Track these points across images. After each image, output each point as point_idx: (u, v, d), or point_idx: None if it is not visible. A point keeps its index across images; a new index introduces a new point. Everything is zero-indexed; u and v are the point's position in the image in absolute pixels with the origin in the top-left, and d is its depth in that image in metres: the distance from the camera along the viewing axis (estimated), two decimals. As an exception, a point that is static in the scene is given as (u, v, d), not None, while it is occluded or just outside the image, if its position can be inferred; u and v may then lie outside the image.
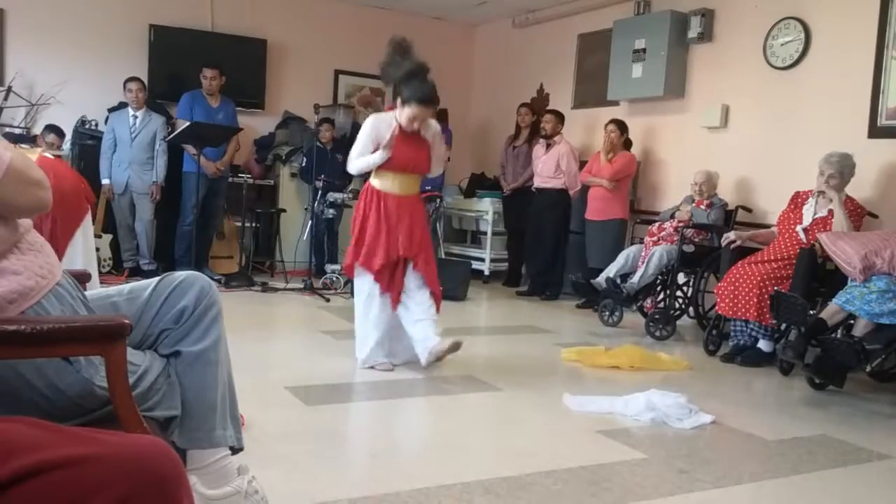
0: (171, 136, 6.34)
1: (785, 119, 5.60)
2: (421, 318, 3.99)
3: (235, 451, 1.90)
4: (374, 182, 4.07)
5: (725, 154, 5.96)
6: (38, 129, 6.55)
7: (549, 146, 6.74)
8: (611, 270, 5.53)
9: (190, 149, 6.37)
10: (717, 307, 4.76)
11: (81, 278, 1.86)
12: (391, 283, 4.01)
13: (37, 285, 1.53)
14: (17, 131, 6.52)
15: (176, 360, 1.79)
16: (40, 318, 1.50)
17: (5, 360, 1.45)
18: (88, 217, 4.11)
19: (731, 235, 4.99)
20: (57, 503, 0.97)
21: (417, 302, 4.02)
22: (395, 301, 4.03)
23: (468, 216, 7.96)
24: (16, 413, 1.29)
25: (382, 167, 4.00)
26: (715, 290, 4.79)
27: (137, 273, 6.38)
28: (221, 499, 1.81)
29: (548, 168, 6.69)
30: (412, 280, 4.03)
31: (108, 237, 6.57)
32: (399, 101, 3.93)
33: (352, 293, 4.38)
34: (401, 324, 4.06)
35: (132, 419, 1.46)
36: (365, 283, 4.02)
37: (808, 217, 4.67)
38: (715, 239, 5.39)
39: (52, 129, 6.26)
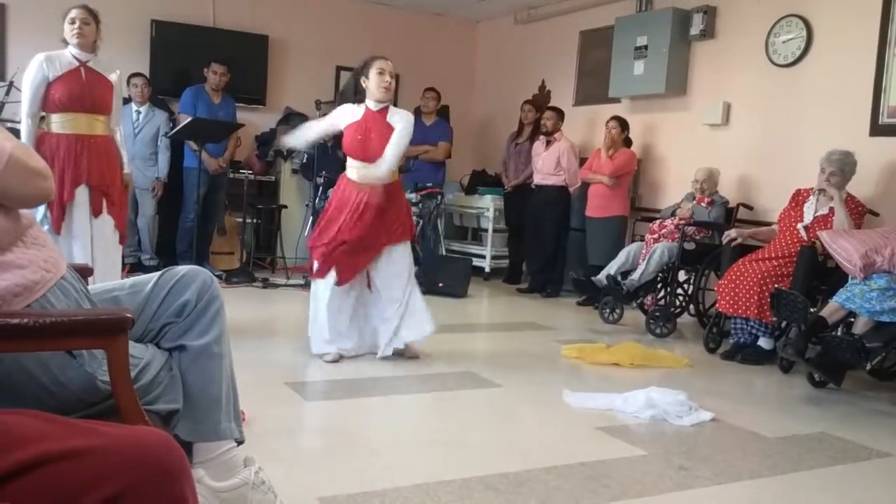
0: (173, 131, 6.34)
1: (786, 117, 5.59)
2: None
3: (238, 444, 1.91)
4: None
5: (727, 151, 5.95)
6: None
7: (549, 143, 6.74)
8: (611, 268, 5.53)
9: (192, 144, 6.37)
10: (717, 305, 4.76)
11: (84, 272, 1.86)
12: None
13: (42, 279, 1.54)
14: (19, 127, 6.51)
15: (180, 355, 1.80)
16: (43, 311, 1.50)
17: (8, 353, 1.46)
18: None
19: (732, 233, 4.99)
20: (61, 494, 0.98)
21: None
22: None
23: (469, 213, 7.96)
24: (19, 406, 1.29)
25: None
26: (715, 288, 4.79)
27: (139, 268, 6.39)
28: (229, 490, 1.81)
29: (548, 165, 6.69)
30: None
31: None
32: (364, 83, 4.05)
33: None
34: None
35: (134, 412, 1.47)
36: None
37: (808, 215, 4.67)
38: (716, 236, 5.39)
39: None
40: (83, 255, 3.87)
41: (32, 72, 3.89)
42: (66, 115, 3.92)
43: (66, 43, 3.98)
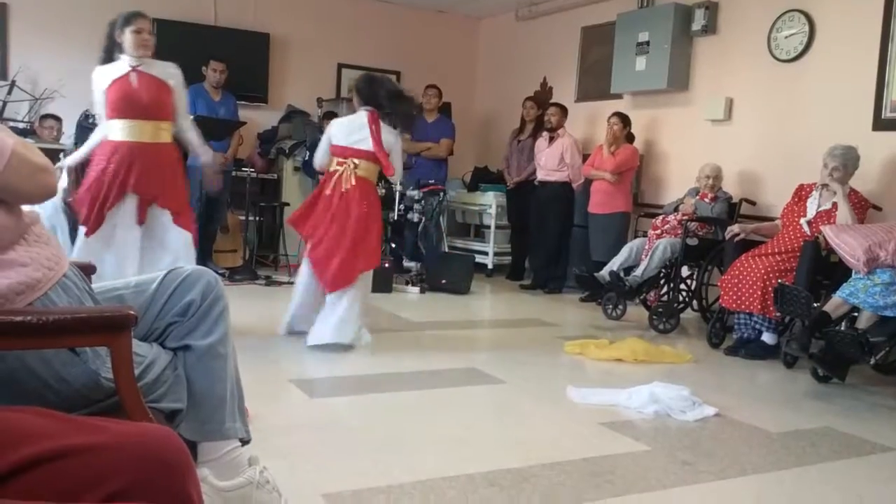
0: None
1: (789, 112, 5.58)
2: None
3: (244, 443, 1.91)
4: None
5: (729, 147, 5.95)
6: (41, 124, 6.57)
7: (552, 139, 6.73)
8: (614, 264, 5.53)
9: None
10: (720, 300, 4.76)
11: (87, 270, 1.87)
12: None
13: (44, 277, 1.54)
14: (21, 125, 6.52)
15: (185, 354, 1.80)
16: (47, 308, 1.50)
17: (12, 350, 1.46)
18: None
19: (735, 228, 4.98)
20: (65, 491, 0.98)
21: None
22: None
23: (471, 210, 7.95)
24: (22, 403, 1.29)
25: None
26: (719, 283, 4.79)
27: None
28: (234, 490, 1.82)
29: (551, 161, 6.69)
30: None
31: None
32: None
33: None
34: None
35: (138, 410, 1.47)
36: None
37: (811, 210, 4.66)
38: (719, 232, 5.38)
39: (48, 116, 6.33)
40: (115, 264, 3.77)
41: (94, 83, 3.88)
42: (120, 122, 3.85)
43: (111, 49, 3.87)
